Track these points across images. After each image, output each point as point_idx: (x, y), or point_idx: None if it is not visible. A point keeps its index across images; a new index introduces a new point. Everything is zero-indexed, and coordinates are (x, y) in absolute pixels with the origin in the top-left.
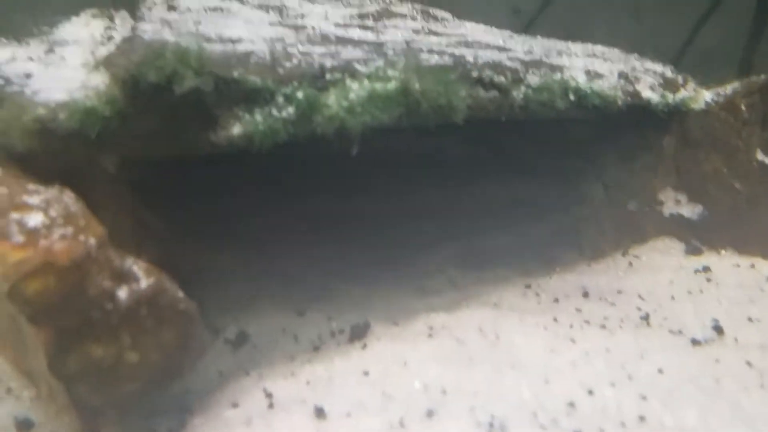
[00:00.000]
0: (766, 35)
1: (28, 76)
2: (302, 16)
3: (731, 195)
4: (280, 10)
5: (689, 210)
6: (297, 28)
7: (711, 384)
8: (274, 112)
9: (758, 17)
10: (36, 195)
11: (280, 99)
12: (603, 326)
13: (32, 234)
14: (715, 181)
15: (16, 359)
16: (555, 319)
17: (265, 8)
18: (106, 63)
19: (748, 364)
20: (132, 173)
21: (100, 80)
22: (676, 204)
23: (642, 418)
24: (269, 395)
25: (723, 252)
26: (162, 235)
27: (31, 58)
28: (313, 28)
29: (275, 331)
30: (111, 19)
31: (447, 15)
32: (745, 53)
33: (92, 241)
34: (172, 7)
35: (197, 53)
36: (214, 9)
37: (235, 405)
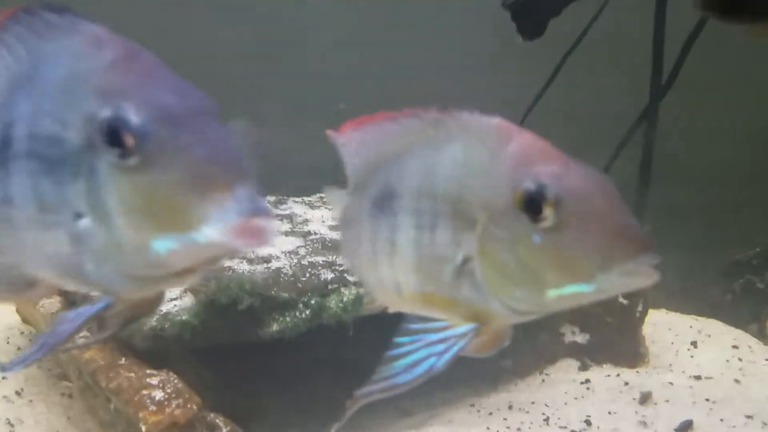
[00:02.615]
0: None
1: None
2: (306, 222)
3: (606, 326)
4: (291, 218)
5: (581, 338)
6: (304, 236)
7: None
8: (297, 314)
9: (644, 165)
10: (154, 377)
11: (301, 305)
12: (519, 429)
13: (159, 404)
14: (595, 317)
15: None
16: (488, 428)
17: (280, 217)
18: (191, 290)
19: None
20: (205, 355)
21: (188, 300)
22: (572, 334)
23: None
24: None
25: (604, 365)
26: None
27: None
28: (315, 233)
29: None
30: None
31: None
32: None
33: (195, 407)
34: None
35: (250, 280)
36: None
37: None
